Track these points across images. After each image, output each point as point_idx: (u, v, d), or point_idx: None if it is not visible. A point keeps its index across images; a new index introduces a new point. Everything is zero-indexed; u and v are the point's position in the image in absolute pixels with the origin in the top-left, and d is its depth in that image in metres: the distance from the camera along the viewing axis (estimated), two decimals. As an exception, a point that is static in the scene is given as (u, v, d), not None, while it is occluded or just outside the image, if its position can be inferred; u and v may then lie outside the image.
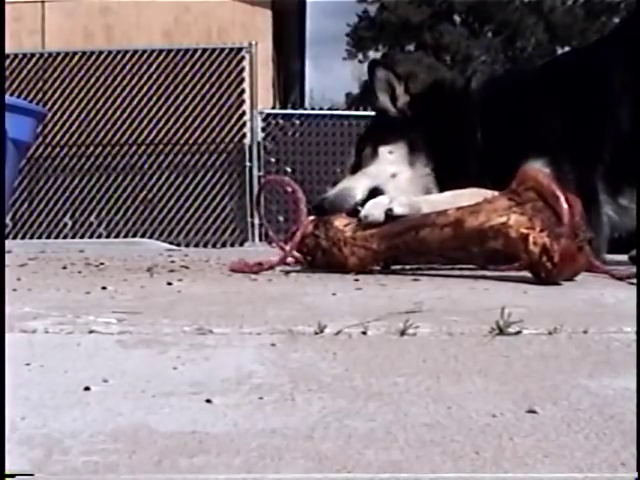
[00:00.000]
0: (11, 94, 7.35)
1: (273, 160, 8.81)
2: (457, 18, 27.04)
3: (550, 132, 2.57)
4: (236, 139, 8.80)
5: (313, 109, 10.35)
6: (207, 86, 8.75)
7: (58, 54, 8.94)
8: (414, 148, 2.72)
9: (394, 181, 2.68)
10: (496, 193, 2.12)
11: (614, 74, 2.55)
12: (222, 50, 8.84)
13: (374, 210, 2.31)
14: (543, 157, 2.47)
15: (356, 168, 2.83)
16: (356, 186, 2.71)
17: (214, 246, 8.43)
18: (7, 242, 4.19)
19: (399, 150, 2.74)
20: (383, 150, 2.76)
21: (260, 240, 8.42)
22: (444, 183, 2.59)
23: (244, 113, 8.78)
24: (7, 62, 8.25)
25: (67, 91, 8.83)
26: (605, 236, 2.50)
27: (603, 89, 2.56)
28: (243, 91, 8.79)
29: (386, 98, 2.85)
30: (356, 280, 2.04)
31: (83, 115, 8.80)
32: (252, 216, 8.58)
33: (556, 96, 2.61)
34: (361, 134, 3.29)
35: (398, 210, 2.27)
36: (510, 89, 2.73)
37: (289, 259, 2.41)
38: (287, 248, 2.41)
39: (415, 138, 2.73)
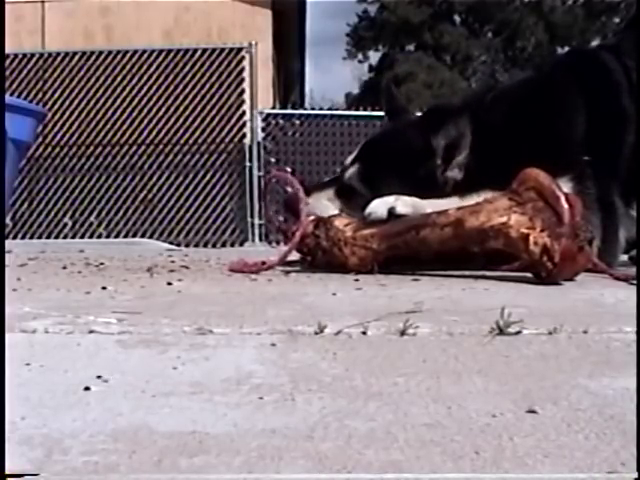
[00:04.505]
0: (11, 94, 7.35)
1: (273, 160, 8.81)
2: (457, 18, 27.06)
3: (574, 145, 2.46)
4: (236, 139, 8.80)
5: (313, 109, 10.37)
6: (207, 86, 8.75)
7: (58, 54, 8.94)
8: None
9: None
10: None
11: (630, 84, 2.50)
12: (222, 50, 8.84)
13: (378, 208, 2.31)
14: (568, 172, 2.37)
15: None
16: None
17: (214, 246, 8.43)
18: (7, 242, 4.19)
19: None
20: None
21: (260, 240, 8.43)
22: None
23: (244, 113, 8.79)
24: (7, 62, 8.25)
25: (67, 91, 8.83)
26: (620, 248, 2.47)
27: (622, 99, 2.48)
28: (243, 91, 8.79)
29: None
30: (356, 280, 2.04)
31: (83, 115, 8.80)
32: (252, 216, 8.58)
33: (578, 107, 2.49)
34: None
35: (401, 210, 2.28)
36: (523, 102, 2.56)
37: (291, 257, 2.41)
38: (289, 233, 2.42)
39: None
